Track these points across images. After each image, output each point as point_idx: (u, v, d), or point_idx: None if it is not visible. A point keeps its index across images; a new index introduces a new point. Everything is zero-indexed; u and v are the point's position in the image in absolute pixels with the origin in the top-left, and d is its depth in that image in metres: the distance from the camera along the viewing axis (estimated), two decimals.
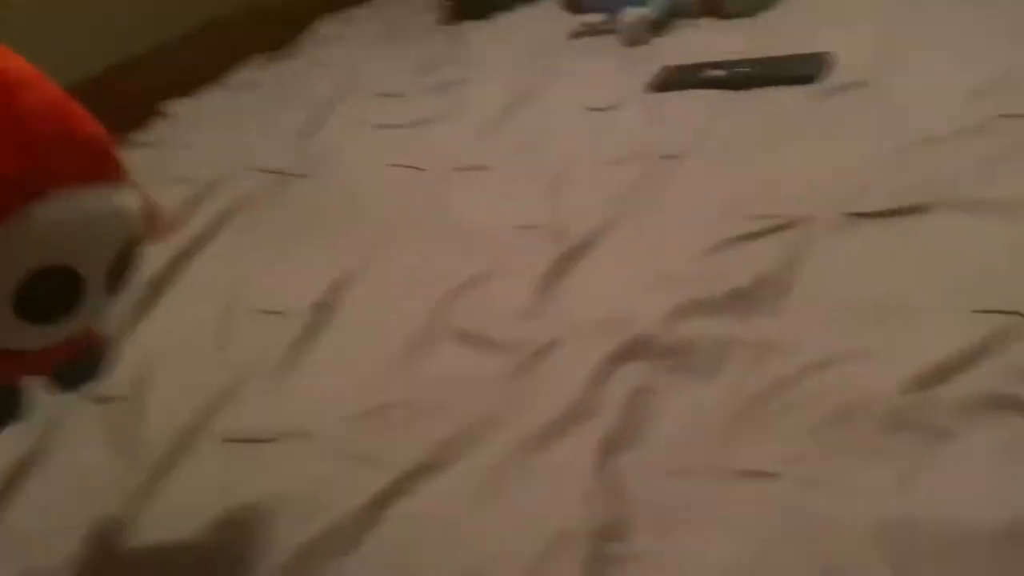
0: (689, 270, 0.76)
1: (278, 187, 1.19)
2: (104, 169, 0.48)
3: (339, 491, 0.63)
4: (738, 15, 1.32)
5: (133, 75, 1.74)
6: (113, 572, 0.65)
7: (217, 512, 0.65)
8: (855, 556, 0.47)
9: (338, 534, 0.60)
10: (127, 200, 0.49)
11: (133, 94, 1.67)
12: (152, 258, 1.04)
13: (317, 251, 0.99)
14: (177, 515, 0.67)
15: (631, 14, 1.34)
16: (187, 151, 1.42)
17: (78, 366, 0.58)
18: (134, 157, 1.46)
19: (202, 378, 0.81)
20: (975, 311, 0.62)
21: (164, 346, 0.89)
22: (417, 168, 1.13)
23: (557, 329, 0.76)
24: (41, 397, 0.62)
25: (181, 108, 1.62)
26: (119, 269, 0.50)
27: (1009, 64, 0.91)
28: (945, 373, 0.58)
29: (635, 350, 0.69)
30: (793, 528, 0.50)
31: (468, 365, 0.76)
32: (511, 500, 0.60)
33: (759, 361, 0.65)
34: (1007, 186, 0.74)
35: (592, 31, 1.45)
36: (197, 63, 1.79)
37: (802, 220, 0.78)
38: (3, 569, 0.63)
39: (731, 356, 0.66)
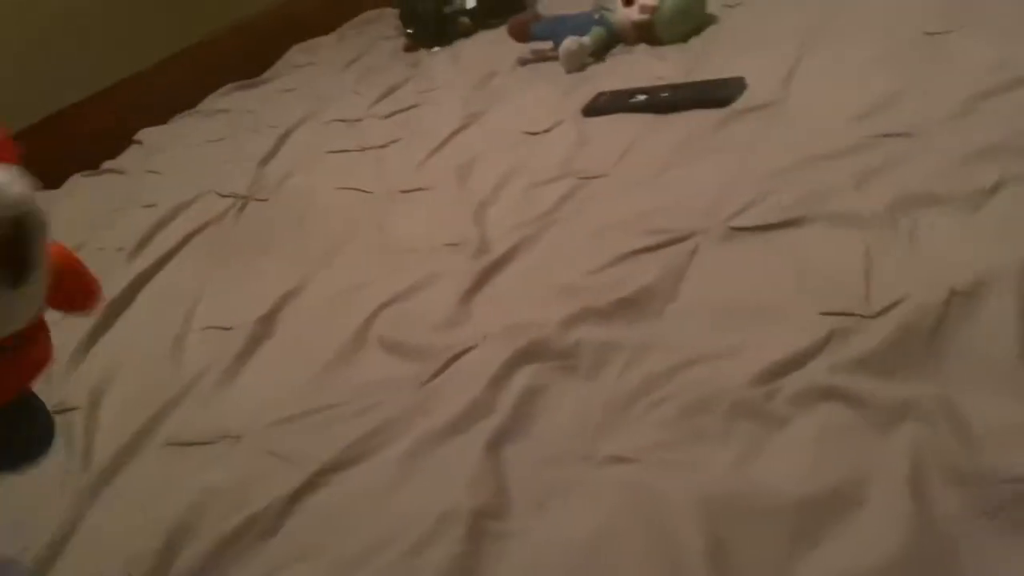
0: (587, 282, 0.84)
1: (237, 211, 1.28)
2: None
3: (262, 486, 0.71)
4: (670, 41, 1.40)
5: (109, 103, 1.83)
6: (64, 564, 0.72)
7: (156, 507, 0.73)
8: (679, 526, 0.55)
9: (259, 523, 0.68)
10: (10, 178, 0.49)
11: (108, 122, 1.77)
12: (117, 278, 1.13)
13: (267, 269, 1.08)
14: (121, 511, 0.75)
15: (571, 41, 1.43)
16: (155, 177, 1.51)
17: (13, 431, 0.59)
18: (107, 184, 1.56)
19: (152, 389, 0.89)
20: (822, 313, 0.70)
21: (122, 359, 0.97)
22: (363, 191, 1.21)
23: (471, 337, 0.83)
24: None
25: (153, 135, 1.71)
26: (15, 255, 0.49)
27: (894, 89, 0.99)
28: (787, 368, 0.66)
29: (532, 354, 0.76)
30: (637, 504, 0.58)
31: (389, 371, 0.83)
32: (409, 490, 0.67)
33: (638, 361, 0.72)
34: (872, 199, 0.82)
35: (539, 58, 1.54)
36: (173, 90, 1.88)
37: (693, 234, 0.86)
38: None
39: (613, 357, 0.74)
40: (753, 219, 0.85)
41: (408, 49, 1.80)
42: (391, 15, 1.97)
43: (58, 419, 0.87)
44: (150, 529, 0.71)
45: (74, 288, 0.56)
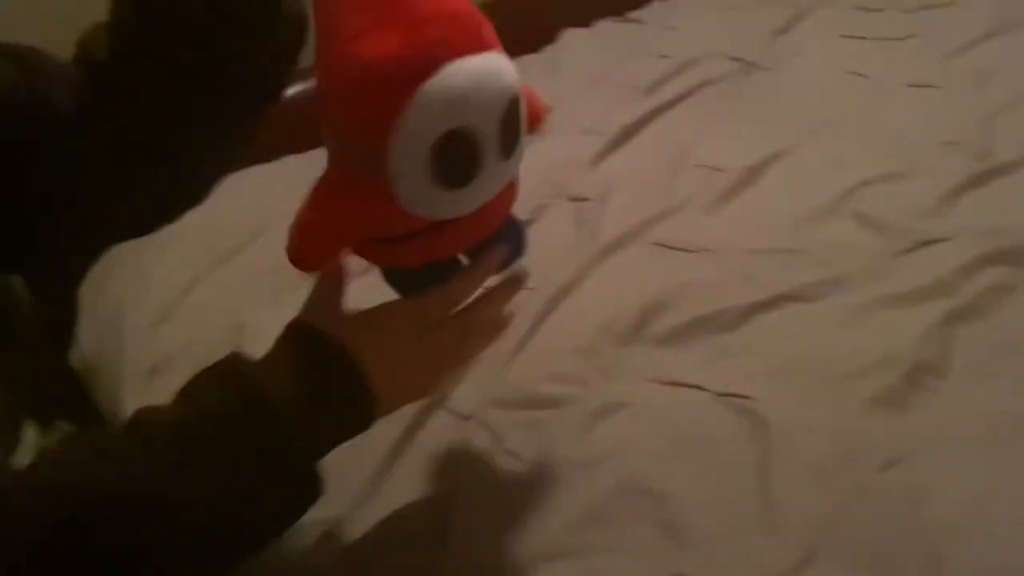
0: None
1: (742, 74, 1.39)
2: (481, 40, 0.52)
3: (727, 293, 0.85)
4: None
5: None
6: (559, 316, 0.94)
7: (637, 285, 0.91)
8: None
9: (721, 318, 0.83)
10: (504, 63, 0.53)
11: None
12: (630, 110, 1.32)
13: (759, 129, 1.18)
14: (612, 280, 0.95)
15: None
16: (672, 32, 1.66)
17: (505, 239, 0.62)
18: (626, 29, 1.77)
19: (647, 200, 1.07)
20: None
21: (624, 173, 1.16)
22: (867, 77, 1.25)
23: (947, 229, 0.87)
24: None
25: None
26: (508, 131, 0.53)
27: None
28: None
29: (1006, 255, 0.79)
30: None
31: (859, 239, 0.91)
32: (856, 332, 0.77)
33: None
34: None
35: None
36: None
37: None
38: None
39: None
40: None
41: None
42: None
43: (573, 205, 1.11)
44: (630, 300, 0.89)
45: (530, 117, 0.59)
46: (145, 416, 0.51)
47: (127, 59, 0.57)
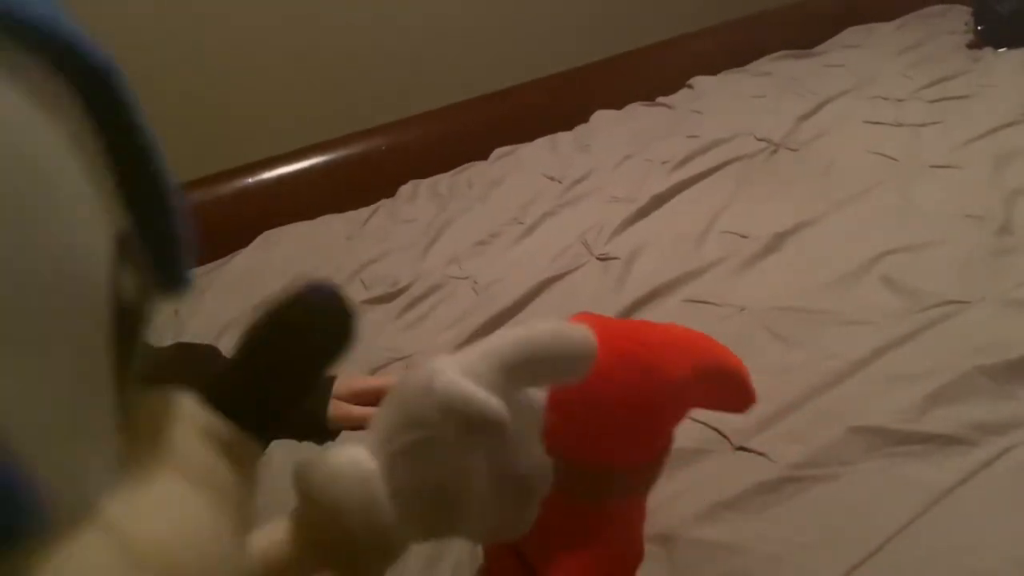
0: None
1: (768, 153, 1.44)
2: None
3: (753, 347, 0.87)
4: None
5: (670, 54, 2.13)
6: None
7: None
8: None
9: None
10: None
11: (668, 69, 2.06)
12: (656, 184, 1.37)
13: (786, 202, 1.22)
14: None
15: None
16: (698, 116, 1.73)
17: None
18: (656, 112, 1.84)
19: (676, 262, 1.10)
20: None
21: (653, 238, 1.20)
22: (892, 158, 1.29)
23: (971, 295, 0.89)
24: None
25: (704, 83, 1.94)
26: None
27: None
28: None
29: None
30: None
31: (885, 301, 0.93)
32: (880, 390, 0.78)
33: None
34: None
35: None
36: (724, 50, 2.11)
37: None
38: None
39: None
40: None
41: (972, 46, 1.78)
42: (960, 12, 1.95)
43: (599, 263, 1.14)
44: None
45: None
46: None
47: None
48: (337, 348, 0.35)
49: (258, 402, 0.32)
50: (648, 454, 0.52)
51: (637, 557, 0.60)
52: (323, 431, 0.85)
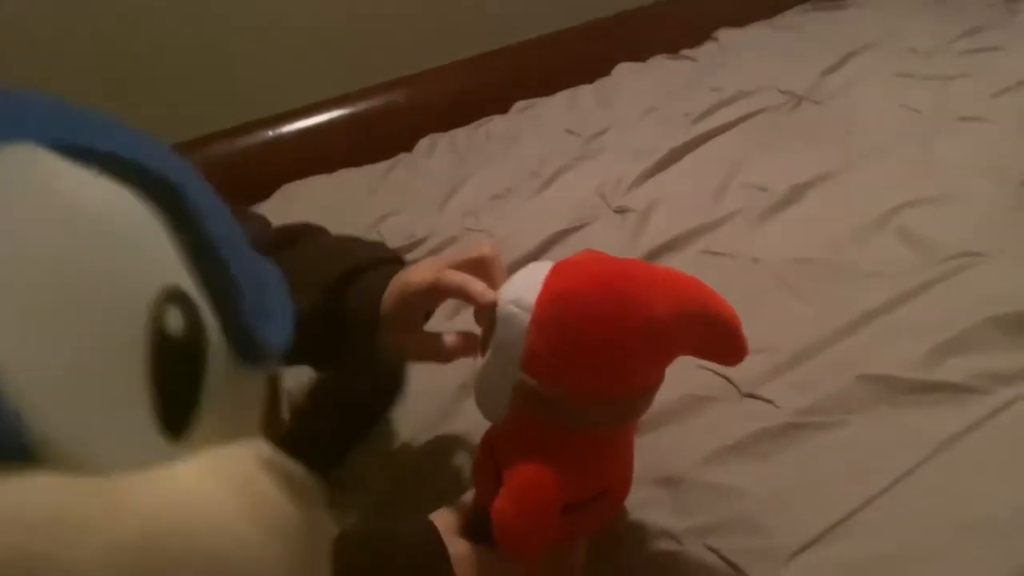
0: None
1: (791, 106, 1.41)
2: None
3: (767, 298, 0.87)
4: None
5: (691, 6, 2.09)
6: None
7: None
8: None
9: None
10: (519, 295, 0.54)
11: (692, 21, 2.03)
12: (679, 135, 1.35)
13: (807, 154, 1.20)
14: None
15: None
16: (723, 68, 1.70)
17: None
18: (679, 65, 1.81)
19: (694, 214, 1.09)
20: None
21: (671, 190, 1.19)
22: (917, 111, 1.26)
23: (989, 247, 0.88)
24: None
25: (729, 35, 1.91)
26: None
27: None
28: None
29: None
30: None
31: (899, 255, 0.92)
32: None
33: None
34: None
35: None
36: (750, 3, 2.07)
37: None
38: None
39: None
40: None
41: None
42: None
43: (616, 216, 1.14)
44: None
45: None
46: None
47: None
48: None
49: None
50: (622, 388, 0.52)
51: (611, 493, 0.58)
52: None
